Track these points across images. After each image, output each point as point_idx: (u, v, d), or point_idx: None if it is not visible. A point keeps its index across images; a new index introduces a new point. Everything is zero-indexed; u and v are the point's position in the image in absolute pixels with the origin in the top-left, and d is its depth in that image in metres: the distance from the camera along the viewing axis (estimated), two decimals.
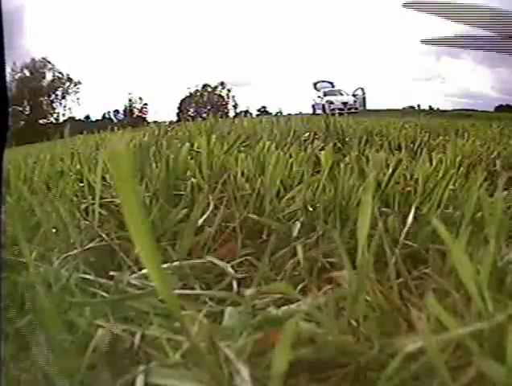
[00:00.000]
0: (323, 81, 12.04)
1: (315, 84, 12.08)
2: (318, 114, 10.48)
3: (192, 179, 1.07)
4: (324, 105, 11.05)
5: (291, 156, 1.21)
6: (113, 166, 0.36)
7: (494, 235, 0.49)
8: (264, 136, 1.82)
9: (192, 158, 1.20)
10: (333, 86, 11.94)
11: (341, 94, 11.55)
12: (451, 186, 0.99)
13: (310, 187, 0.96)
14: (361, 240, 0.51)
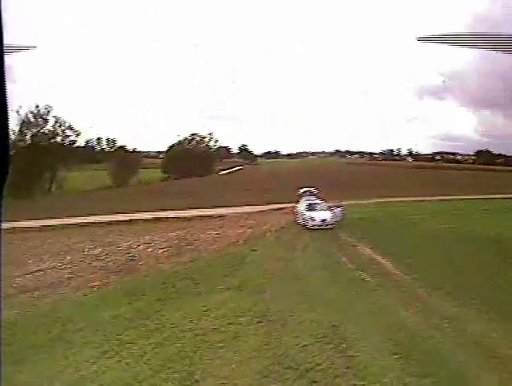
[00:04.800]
0: (309, 192, 16.97)
1: (300, 194, 17.10)
2: (298, 222, 15.25)
3: None
4: (305, 219, 15.59)
5: None
6: None
7: None
8: None
9: None
10: (315, 194, 16.79)
11: (322, 209, 16.20)
12: None
13: None
14: None
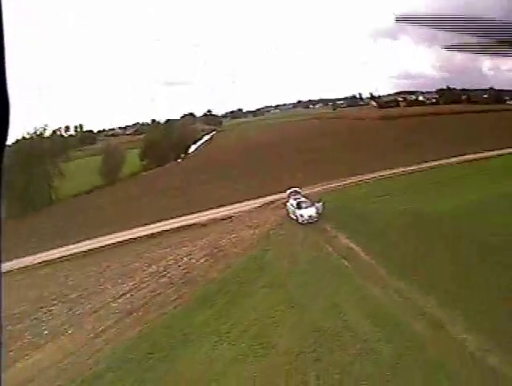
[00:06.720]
0: (295, 191, 25.87)
1: (289, 194, 26.26)
2: (291, 217, 23.83)
3: None
4: (296, 215, 23.95)
5: None
6: None
7: None
8: None
9: None
10: (299, 193, 25.67)
11: (308, 206, 24.76)
12: None
13: None
14: None
